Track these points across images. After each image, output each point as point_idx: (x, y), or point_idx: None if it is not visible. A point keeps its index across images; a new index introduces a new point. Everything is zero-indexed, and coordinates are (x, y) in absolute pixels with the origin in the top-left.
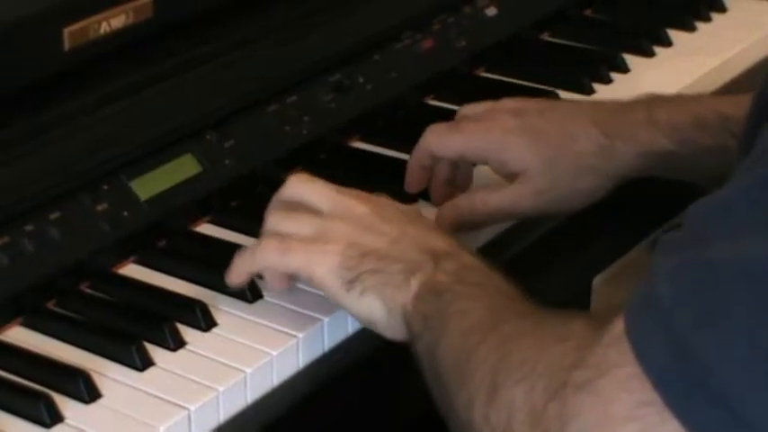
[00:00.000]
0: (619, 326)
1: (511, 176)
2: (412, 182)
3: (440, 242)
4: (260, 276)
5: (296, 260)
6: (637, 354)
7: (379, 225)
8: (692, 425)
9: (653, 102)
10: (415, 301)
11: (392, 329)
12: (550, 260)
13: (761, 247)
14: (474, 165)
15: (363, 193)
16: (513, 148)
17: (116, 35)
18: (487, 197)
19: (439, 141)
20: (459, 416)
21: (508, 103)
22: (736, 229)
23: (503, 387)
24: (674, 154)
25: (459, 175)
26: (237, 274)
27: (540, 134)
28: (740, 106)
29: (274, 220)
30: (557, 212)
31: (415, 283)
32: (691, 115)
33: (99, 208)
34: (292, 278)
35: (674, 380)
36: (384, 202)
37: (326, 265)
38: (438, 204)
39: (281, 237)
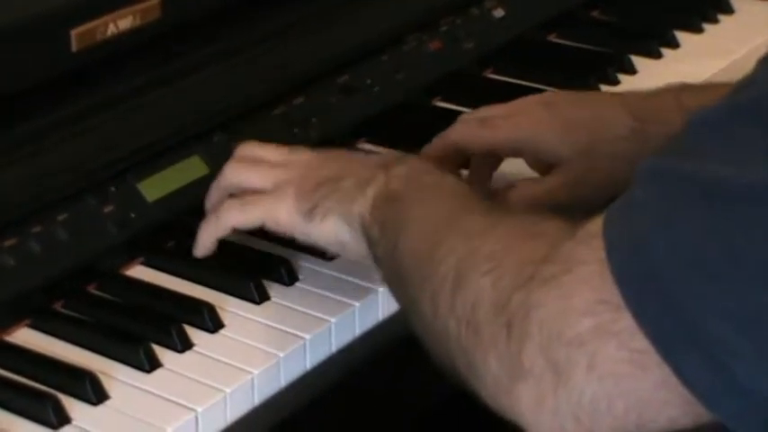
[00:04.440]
0: (596, 224)
1: (546, 169)
2: None
3: (388, 156)
4: (267, 277)
5: (257, 212)
6: (606, 251)
7: (326, 162)
8: (645, 321)
9: (682, 89)
10: (372, 209)
11: (358, 245)
12: None
13: (715, 165)
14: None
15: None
16: (547, 139)
17: (123, 37)
18: (524, 190)
19: (469, 135)
20: (424, 312)
21: (534, 97)
22: (703, 145)
23: (469, 278)
24: None
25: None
26: (203, 245)
27: (574, 124)
28: None
29: (231, 171)
30: (595, 201)
31: (370, 193)
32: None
33: (106, 209)
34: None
35: (631, 276)
36: (330, 149)
37: (285, 205)
38: None
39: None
